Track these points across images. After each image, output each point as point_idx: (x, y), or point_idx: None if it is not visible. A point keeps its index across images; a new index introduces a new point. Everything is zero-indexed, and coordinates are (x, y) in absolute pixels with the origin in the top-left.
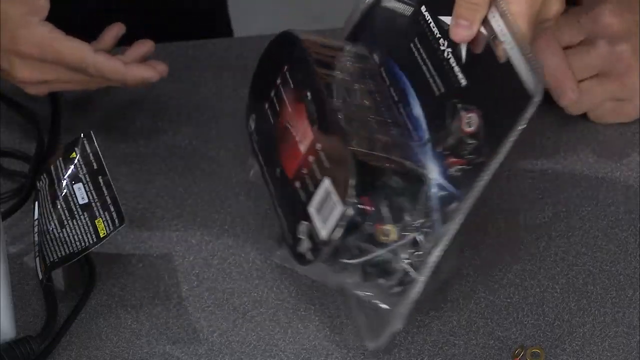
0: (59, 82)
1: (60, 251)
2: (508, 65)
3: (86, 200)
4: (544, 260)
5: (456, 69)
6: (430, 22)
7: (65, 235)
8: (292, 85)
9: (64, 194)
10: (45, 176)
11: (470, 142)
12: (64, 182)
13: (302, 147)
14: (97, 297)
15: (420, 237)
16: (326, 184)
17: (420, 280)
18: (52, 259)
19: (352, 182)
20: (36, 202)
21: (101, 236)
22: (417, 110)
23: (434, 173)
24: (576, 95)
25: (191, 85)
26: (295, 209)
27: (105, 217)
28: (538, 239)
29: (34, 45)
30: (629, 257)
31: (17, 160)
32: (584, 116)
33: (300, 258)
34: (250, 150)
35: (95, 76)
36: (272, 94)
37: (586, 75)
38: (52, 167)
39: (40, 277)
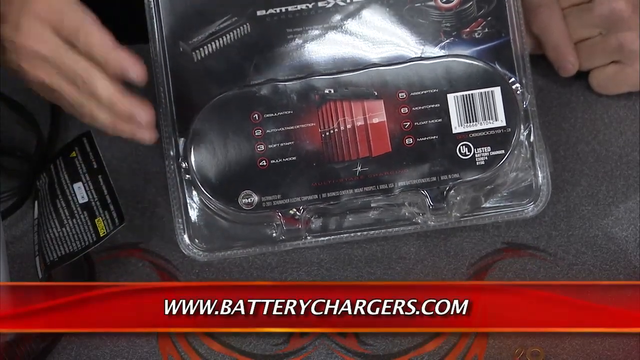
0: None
1: (60, 250)
2: None
3: (86, 200)
4: (544, 260)
5: None
6: None
7: (65, 234)
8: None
9: (63, 193)
10: (45, 175)
11: (465, 6)
12: (64, 181)
13: (376, 120)
14: None
15: None
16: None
17: None
18: (52, 258)
19: None
20: (36, 202)
21: (101, 235)
22: None
23: None
24: (575, 69)
25: None
26: (429, 156)
27: (105, 216)
28: (538, 238)
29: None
30: (629, 257)
31: (17, 160)
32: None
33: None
34: None
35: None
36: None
37: (587, 34)
38: (51, 166)
39: (40, 276)
